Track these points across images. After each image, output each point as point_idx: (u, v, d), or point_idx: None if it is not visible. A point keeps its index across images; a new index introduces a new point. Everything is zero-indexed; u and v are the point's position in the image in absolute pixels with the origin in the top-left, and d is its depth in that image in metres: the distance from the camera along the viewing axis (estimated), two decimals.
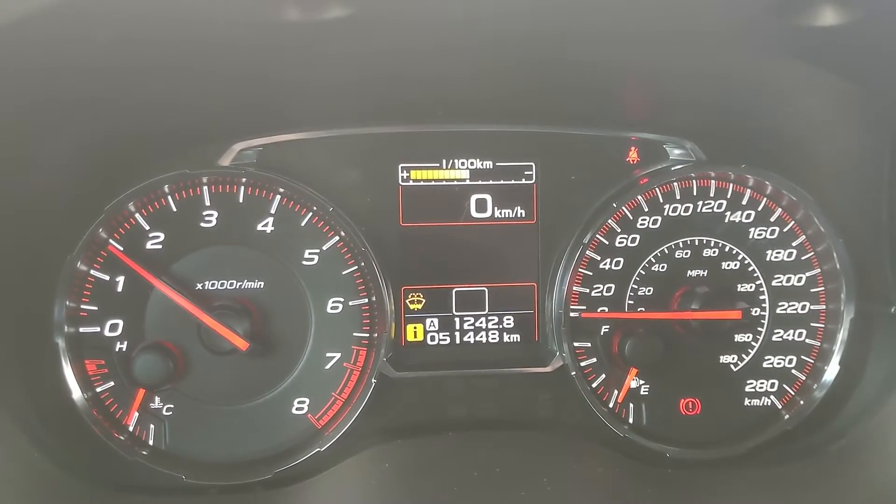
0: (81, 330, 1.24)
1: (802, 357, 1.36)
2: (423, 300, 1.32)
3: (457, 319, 1.34)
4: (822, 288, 1.34)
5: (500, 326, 1.35)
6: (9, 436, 1.12)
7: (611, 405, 1.34)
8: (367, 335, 1.29)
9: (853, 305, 1.31)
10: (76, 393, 1.23)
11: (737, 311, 1.30)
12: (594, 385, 1.34)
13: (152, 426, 1.29)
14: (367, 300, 1.28)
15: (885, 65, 1.07)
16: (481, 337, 1.34)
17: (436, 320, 1.34)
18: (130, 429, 1.26)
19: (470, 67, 1.18)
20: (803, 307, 1.36)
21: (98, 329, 1.25)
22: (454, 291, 1.33)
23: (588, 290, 1.32)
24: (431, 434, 1.25)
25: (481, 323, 1.34)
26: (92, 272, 1.22)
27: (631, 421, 1.35)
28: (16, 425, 1.13)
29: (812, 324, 1.35)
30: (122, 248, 1.22)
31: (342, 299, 1.28)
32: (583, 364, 1.33)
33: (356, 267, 1.27)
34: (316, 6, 0.87)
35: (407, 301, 1.31)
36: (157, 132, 1.19)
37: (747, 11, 0.94)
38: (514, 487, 1.12)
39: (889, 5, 0.88)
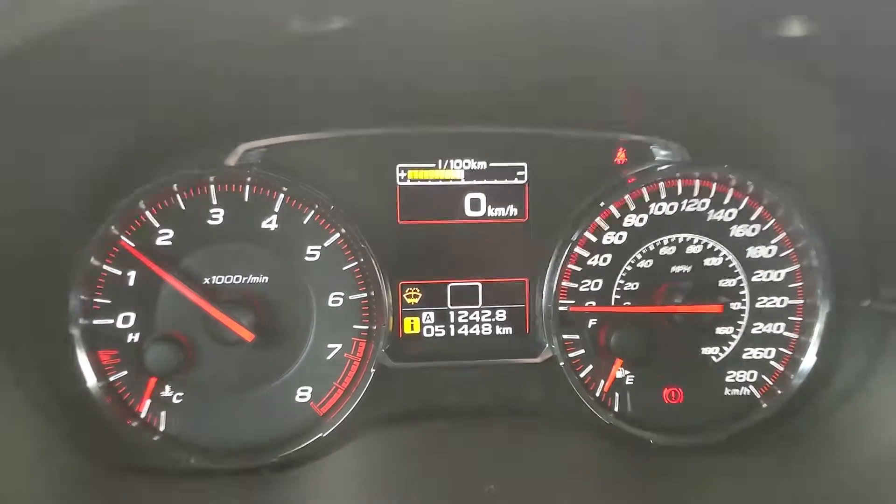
0: (95, 322, 1.29)
1: (780, 349, 1.41)
2: (420, 294, 1.37)
3: (451, 313, 1.38)
4: (801, 283, 1.39)
5: (493, 320, 1.39)
6: (29, 421, 1.17)
7: (597, 394, 1.39)
8: (367, 327, 1.34)
9: (829, 300, 1.36)
10: (91, 381, 1.27)
11: (718, 305, 1.35)
12: (581, 375, 1.39)
13: (163, 413, 1.33)
14: (366, 294, 1.33)
15: (855, 71, 1.12)
16: (475, 330, 1.38)
17: (432, 314, 1.38)
18: (142, 415, 1.31)
19: (466, 72, 1.23)
20: (782, 301, 1.40)
21: (111, 321, 1.29)
22: (449, 286, 1.38)
23: (576, 286, 1.37)
24: (427, 421, 1.31)
25: (475, 316, 1.38)
26: (105, 267, 1.27)
27: (616, 409, 1.40)
28: (35, 411, 1.19)
29: (790, 317, 1.40)
30: (133, 245, 1.26)
31: (342, 293, 1.33)
32: (571, 355, 1.38)
33: (356, 263, 1.32)
34: (319, 19, 0.91)
35: (404, 295, 1.36)
36: (166, 134, 1.24)
37: (723, 25, 1.00)
38: (506, 472, 1.17)
39: (851, 15, 0.92)
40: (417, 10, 0.98)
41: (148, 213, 1.27)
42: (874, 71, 1.09)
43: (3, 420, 1.15)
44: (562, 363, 1.37)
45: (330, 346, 1.35)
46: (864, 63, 1.17)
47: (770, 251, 1.39)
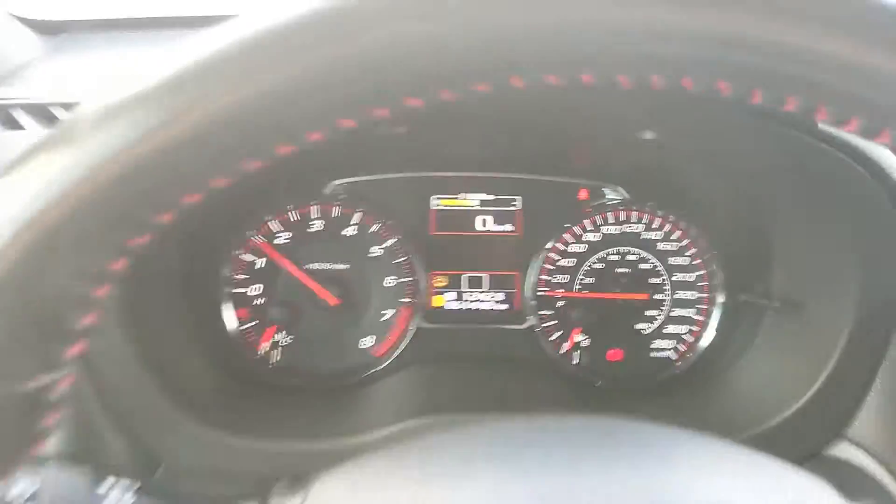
0: (236, 290, 1.73)
1: (691, 327, 1.83)
2: (445, 281, 1.83)
3: (466, 294, 1.83)
4: (706, 283, 1.82)
5: (494, 299, 1.84)
6: (194, 352, 1.61)
7: (562, 351, 1.82)
8: (410, 300, 1.81)
9: (724, 294, 1.82)
10: (231, 328, 1.76)
11: (645, 294, 1.82)
12: (552, 339, 1.82)
13: (275, 351, 1.74)
14: (410, 279, 1.80)
15: (713, 159, 1.63)
16: (481, 305, 1.83)
17: (453, 294, 1.82)
18: (262, 352, 1.76)
19: (480, 141, 1.70)
20: (692, 294, 1.83)
21: (246, 290, 1.76)
22: (465, 276, 1.84)
23: (550, 278, 1.82)
24: (449, 362, 1.76)
25: (482, 297, 1.83)
26: (243, 256, 1.76)
27: (574, 362, 1.82)
28: (198, 346, 1.62)
29: (698, 305, 1.83)
30: (262, 241, 1.76)
31: (395, 278, 1.80)
32: (544, 325, 1.82)
33: (404, 258, 1.79)
34: (389, 128, 1.42)
35: (434, 281, 1.82)
36: (286, 174, 1.71)
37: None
38: (496, 396, 1.56)
39: (682, 128, 1.37)
40: (450, 117, 1.40)
41: (272, 222, 1.77)
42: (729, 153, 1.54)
43: (182, 351, 1.61)
44: (538, 330, 1.83)
45: (384, 311, 1.77)
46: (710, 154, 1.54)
47: (685, 260, 1.83)
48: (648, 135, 1.43)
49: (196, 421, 1.49)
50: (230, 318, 1.76)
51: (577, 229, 1.84)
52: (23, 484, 0.83)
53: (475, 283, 1.83)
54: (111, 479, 0.96)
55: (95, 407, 1.39)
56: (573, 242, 1.85)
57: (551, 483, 0.67)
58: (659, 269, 1.86)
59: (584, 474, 0.69)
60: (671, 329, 1.87)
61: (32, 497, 0.83)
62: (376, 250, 1.79)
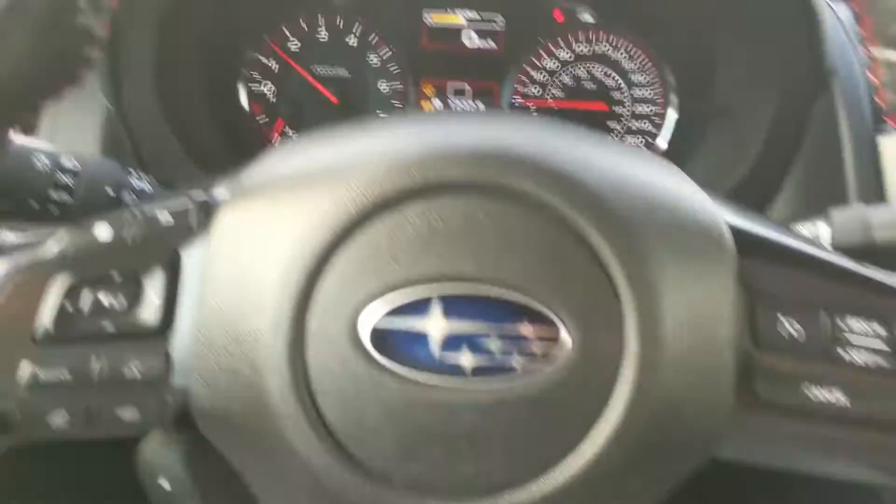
0: (252, 87, 2.00)
1: (647, 137, 2.06)
2: (433, 90, 2.04)
3: (450, 100, 2.05)
4: (662, 98, 2.04)
5: (476, 107, 2.06)
6: (218, 132, 1.83)
7: None
8: (401, 104, 2.03)
9: (676, 107, 2.06)
10: (248, 119, 2.02)
11: (603, 104, 2.07)
12: None
13: (283, 139, 2.05)
14: (402, 86, 2.04)
15: None
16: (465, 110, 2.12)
17: (438, 101, 2.04)
18: (274, 142, 2.04)
19: None
20: (649, 107, 2.05)
21: (261, 87, 2.01)
22: (450, 86, 2.04)
23: (525, 89, 2.05)
24: None
25: (464, 103, 2.05)
26: (259, 57, 1.99)
27: None
28: (219, 128, 1.82)
29: (654, 118, 2.05)
30: (276, 45, 1.99)
31: (387, 83, 2.02)
32: None
33: (398, 67, 2.01)
34: None
35: (423, 88, 2.03)
36: None
37: None
38: None
39: None
40: None
41: (285, 29, 1.99)
42: None
43: (205, 126, 1.85)
44: None
45: (378, 112, 1.94)
46: None
47: (645, 77, 2.04)
48: None
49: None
50: (246, 110, 1.97)
51: (551, 47, 2.06)
52: (68, 161, 0.98)
53: (459, 93, 1.99)
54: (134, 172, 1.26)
55: (128, 151, 1.68)
56: (545, 58, 2.07)
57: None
58: (621, 84, 2.07)
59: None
60: (629, 140, 2.11)
61: (76, 171, 0.98)
62: (374, 58, 1.96)
